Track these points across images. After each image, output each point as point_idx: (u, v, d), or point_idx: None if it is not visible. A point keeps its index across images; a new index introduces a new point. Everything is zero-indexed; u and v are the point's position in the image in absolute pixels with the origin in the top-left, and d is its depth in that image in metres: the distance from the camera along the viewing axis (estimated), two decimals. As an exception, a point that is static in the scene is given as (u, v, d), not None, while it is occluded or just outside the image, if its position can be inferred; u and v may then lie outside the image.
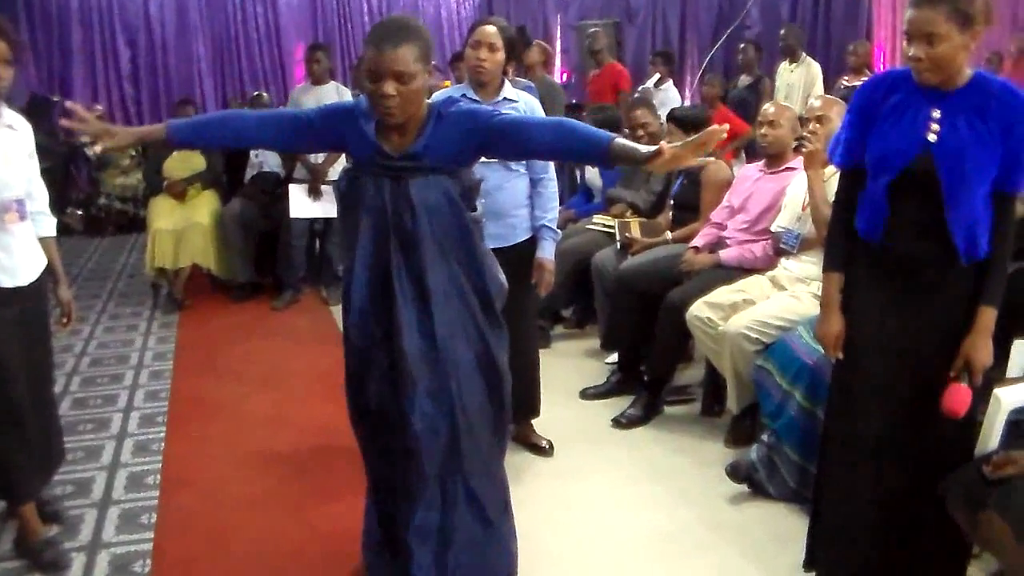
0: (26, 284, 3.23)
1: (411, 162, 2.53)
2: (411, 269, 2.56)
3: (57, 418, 3.66)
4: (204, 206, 6.97)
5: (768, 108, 4.53)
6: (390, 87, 2.39)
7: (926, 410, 2.71)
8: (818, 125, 3.99)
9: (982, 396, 2.82)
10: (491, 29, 3.70)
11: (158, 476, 4.01)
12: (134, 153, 9.76)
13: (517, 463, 3.99)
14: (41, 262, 3.34)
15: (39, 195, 3.40)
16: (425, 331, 2.58)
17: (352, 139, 2.60)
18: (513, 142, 2.56)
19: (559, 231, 3.95)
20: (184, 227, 6.71)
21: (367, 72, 2.44)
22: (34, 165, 3.36)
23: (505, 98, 3.76)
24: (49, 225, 3.46)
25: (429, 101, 2.62)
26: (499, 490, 2.86)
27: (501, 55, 3.71)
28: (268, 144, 2.84)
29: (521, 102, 3.79)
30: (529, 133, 2.54)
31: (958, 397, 2.62)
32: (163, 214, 6.80)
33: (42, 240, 3.38)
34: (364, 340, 2.64)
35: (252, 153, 7.30)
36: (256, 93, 8.24)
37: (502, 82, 3.79)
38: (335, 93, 6.88)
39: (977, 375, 2.63)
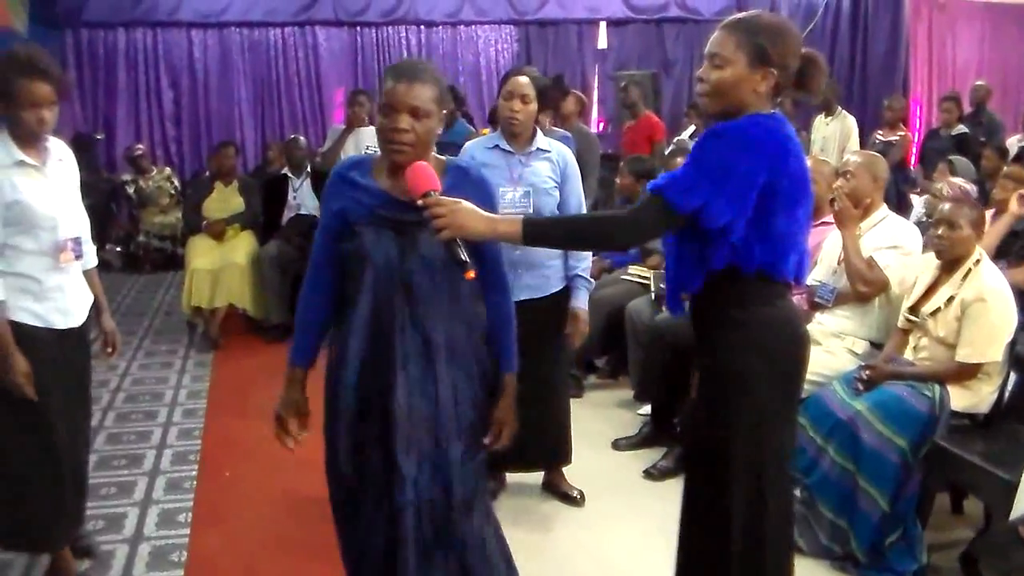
0: (78, 325, 3.27)
1: (419, 214, 2.31)
2: (417, 326, 2.42)
3: (87, 463, 3.66)
4: (242, 247, 7.05)
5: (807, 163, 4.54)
6: (404, 121, 2.34)
7: None
8: (844, 181, 4.05)
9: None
10: (524, 80, 3.74)
11: (189, 514, 4.03)
12: (173, 192, 9.92)
13: (547, 511, 3.99)
14: (89, 300, 3.37)
15: (84, 226, 3.38)
16: (428, 392, 2.44)
17: (350, 203, 2.46)
18: (483, 253, 2.50)
19: (593, 280, 3.96)
20: (221, 267, 6.78)
21: (382, 106, 2.38)
22: (79, 196, 3.37)
23: (538, 148, 3.80)
24: (92, 255, 3.47)
25: (458, 157, 2.58)
26: (495, 568, 2.61)
27: (534, 106, 3.75)
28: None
29: (553, 152, 3.83)
30: (489, 263, 2.53)
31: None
32: (201, 253, 6.88)
33: (85, 272, 3.40)
34: (359, 403, 2.48)
35: (290, 195, 7.39)
36: (292, 137, 8.34)
37: (534, 132, 3.82)
38: (373, 136, 6.92)
39: None
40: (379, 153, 2.52)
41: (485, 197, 2.48)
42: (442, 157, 2.57)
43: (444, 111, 2.48)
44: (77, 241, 3.24)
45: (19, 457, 3.18)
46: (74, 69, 10.86)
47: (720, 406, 2.53)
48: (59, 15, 10.57)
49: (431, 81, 2.38)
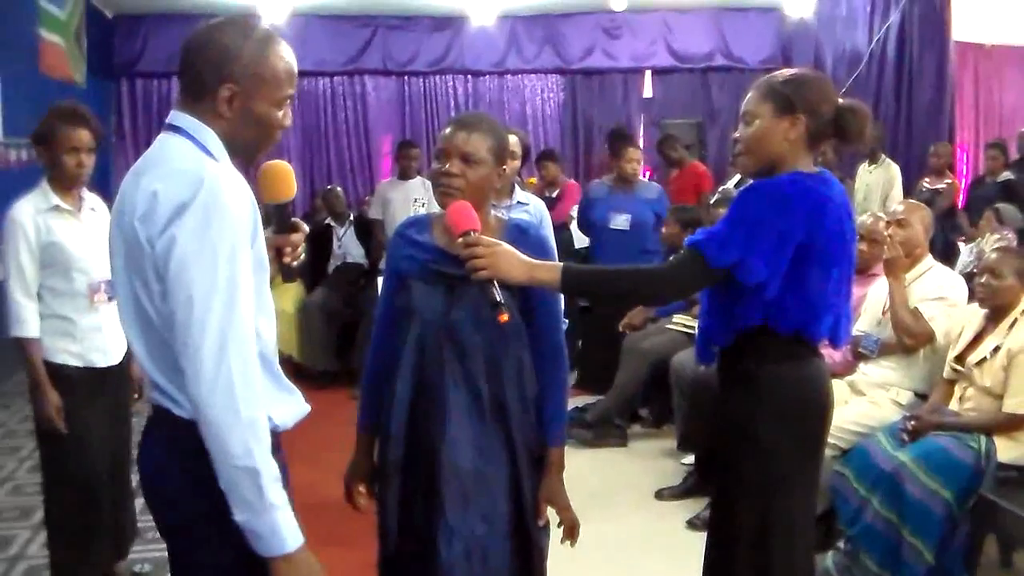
0: (117, 363, 3.42)
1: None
2: (468, 381, 2.38)
3: (132, 498, 3.73)
4: (289, 294, 7.14)
5: (866, 221, 4.43)
6: (455, 166, 2.34)
7: None
8: (899, 230, 4.02)
9: None
10: (513, 139, 3.87)
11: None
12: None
13: (591, 561, 3.96)
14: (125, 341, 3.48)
15: None
16: (480, 447, 2.39)
17: (406, 260, 2.48)
18: (537, 316, 2.47)
19: None
20: (269, 314, 6.87)
21: (437, 152, 2.41)
22: None
23: (518, 201, 3.98)
24: None
25: (511, 217, 2.61)
26: None
27: (517, 163, 3.98)
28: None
29: (531, 205, 4.02)
30: (542, 326, 2.48)
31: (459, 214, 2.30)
32: (249, 301, 6.96)
33: None
34: (406, 456, 2.43)
35: (335, 244, 7.49)
36: (329, 187, 8.46)
37: (513, 186, 4.02)
38: (421, 187, 7.02)
39: None
40: (427, 207, 2.56)
41: (543, 258, 2.43)
42: (503, 216, 2.58)
43: (504, 166, 2.47)
44: (111, 284, 3.34)
45: (58, 493, 3.37)
46: (129, 117, 11.12)
47: (732, 462, 2.55)
48: (115, 66, 10.89)
49: (488, 132, 2.39)
